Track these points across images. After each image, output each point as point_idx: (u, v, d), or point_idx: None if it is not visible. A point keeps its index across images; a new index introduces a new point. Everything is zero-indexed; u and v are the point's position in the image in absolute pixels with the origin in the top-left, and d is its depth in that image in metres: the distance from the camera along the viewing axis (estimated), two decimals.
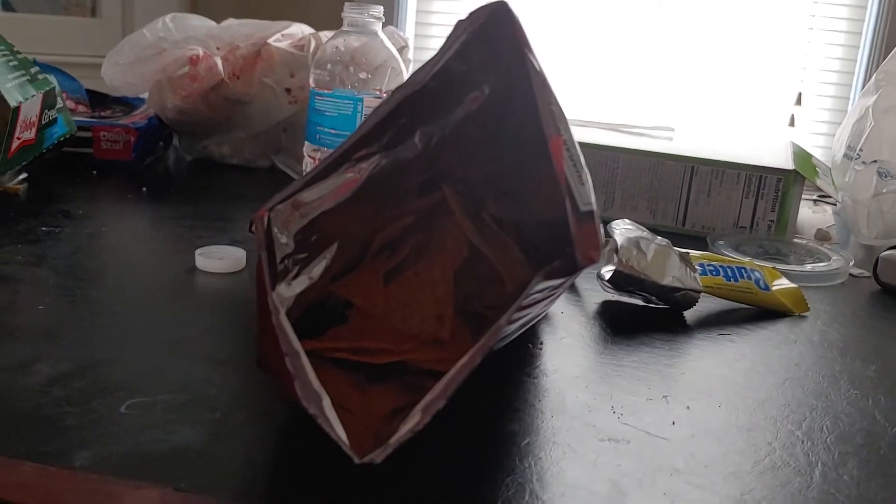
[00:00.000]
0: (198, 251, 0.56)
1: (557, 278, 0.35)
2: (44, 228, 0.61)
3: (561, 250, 0.34)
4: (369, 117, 0.38)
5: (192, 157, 0.89)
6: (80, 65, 1.30)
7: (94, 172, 0.79)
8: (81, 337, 0.44)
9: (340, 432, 0.29)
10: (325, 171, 0.37)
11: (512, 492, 0.33)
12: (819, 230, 0.77)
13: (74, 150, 0.80)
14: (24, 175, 0.73)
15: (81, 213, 0.66)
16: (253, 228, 0.34)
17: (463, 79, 0.39)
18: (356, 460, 0.29)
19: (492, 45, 0.37)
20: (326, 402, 0.30)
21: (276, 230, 0.35)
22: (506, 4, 0.36)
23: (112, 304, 0.49)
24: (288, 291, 0.37)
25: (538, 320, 0.50)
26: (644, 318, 0.53)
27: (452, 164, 0.44)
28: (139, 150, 0.82)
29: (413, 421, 0.29)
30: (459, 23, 0.37)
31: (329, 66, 0.66)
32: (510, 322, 0.32)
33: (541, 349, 0.47)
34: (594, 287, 0.56)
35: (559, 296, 0.44)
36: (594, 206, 0.35)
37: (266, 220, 0.34)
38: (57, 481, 0.31)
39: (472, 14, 0.37)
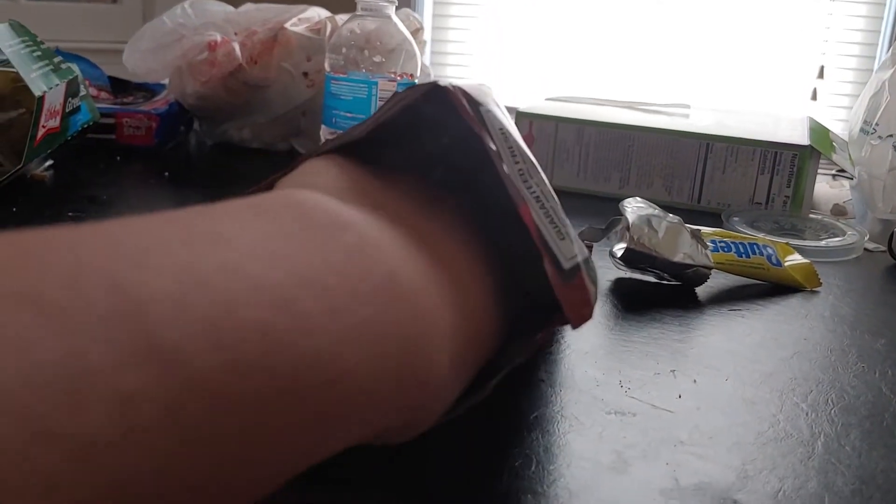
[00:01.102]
0: None
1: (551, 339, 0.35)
2: (70, 214, 0.63)
3: None
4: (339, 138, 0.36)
5: (213, 142, 0.91)
6: (102, 51, 1.32)
7: (118, 158, 0.81)
8: None
9: None
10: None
11: (519, 462, 0.34)
12: (835, 205, 0.77)
13: (98, 136, 0.82)
14: (49, 162, 0.75)
15: (106, 198, 0.68)
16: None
17: (411, 130, 0.36)
18: None
19: (440, 112, 0.34)
20: None
21: None
22: (440, 87, 0.32)
23: None
24: None
25: None
26: (656, 295, 0.53)
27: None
28: (161, 135, 0.84)
29: None
30: (395, 95, 0.34)
31: (344, 50, 0.67)
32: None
33: None
34: (606, 264, 0.57)
35: None
36: (580, 258, 0.33)
37: None
38: None
39: (406, 91, 0.34)
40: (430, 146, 0.36)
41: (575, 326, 0.32)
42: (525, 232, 0.32)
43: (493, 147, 0.32)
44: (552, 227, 0.32)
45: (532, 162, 0.33)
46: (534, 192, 0.32)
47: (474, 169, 0.34)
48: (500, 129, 0.33)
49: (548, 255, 0.31)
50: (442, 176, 0.35)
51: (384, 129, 0.34)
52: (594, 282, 0.34)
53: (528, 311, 0.35)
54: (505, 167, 0.32)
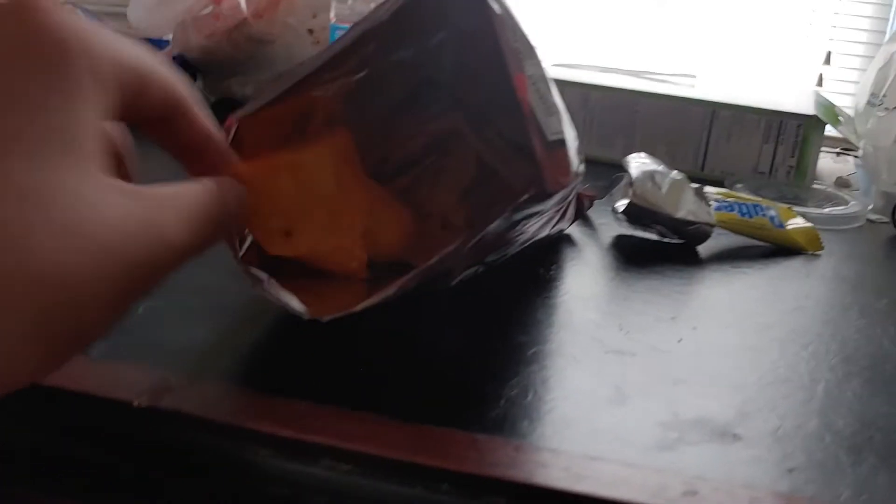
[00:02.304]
0: None
1: (531, 204, 0.35)
2: None
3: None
4: (331, 45, 0.38)
5: (215, 98, 0.90)
6: (107, 13, 1.30)
7: None
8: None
9: (289, 299, 0.33)
10: (291, 90, 0.37)
11: (515, 392, 0.33)
12: (839, 178, 0.77)
13: None
14: None
15: None
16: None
17: (424, 16, 0.39)
18: (305, 316, 0.32)
19: None
20: (269, 282, 0.34)
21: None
22: None
23: None
24: None
25: (547, 241, 0.50)
26: (657, 251, 0.53)
27: (450, 87, 0.45)
28: None
29: (367, 302, 0.32)
30: None
31: (350, 0, 0.67)
32: (480, 243, 0.34)
33: (552, 273, 0.47)
34: (608, 221, 0.57)
35: (560, 215, 0.44)
36: (565, 136, 0.36)
37: (235, 129, 0.35)
38: (73, 366, 0.32)
39: None
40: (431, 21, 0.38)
41: (551, 192, 0.34)
42: (516, 104, 0.33)
43: (499, 11, 0.34)
44: (542, 103, 0.34)
45: (530, 46, 0.35)
46: (528, 70, 0.34)
47: (476, 37, 0.36)
48: (506, 6, 0.35)
49: (534, 124, 0.33)
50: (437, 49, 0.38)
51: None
52: (581, 163, 0.38)
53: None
54: (508, 36, 0.33)
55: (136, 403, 0.30)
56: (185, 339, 0.35)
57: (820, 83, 1.27)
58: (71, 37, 0.24)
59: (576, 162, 0.37)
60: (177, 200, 0.27)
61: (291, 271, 0.38)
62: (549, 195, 0.34)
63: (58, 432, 0.31)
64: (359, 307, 0.33)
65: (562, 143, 0.34)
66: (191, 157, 0.31)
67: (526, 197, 0.33)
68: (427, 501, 0.27)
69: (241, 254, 0.35)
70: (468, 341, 0.38)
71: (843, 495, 0.29)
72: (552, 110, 0.35)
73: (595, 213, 0.58)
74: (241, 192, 0.32)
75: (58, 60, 0.24)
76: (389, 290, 0.33)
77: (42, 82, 0.23)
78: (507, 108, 0.35)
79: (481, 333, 0.39)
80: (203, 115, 0.30)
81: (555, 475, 0.28)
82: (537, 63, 0.36)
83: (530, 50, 0.35)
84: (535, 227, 0.41)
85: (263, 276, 0.34)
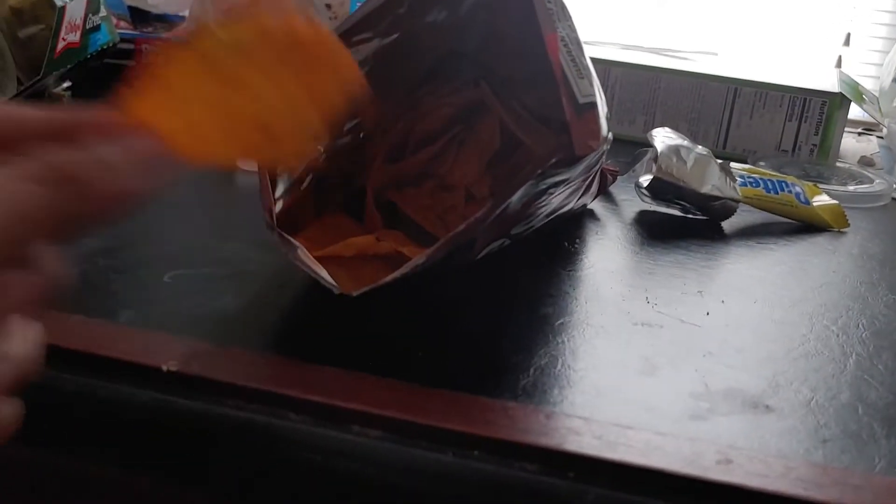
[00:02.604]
0: None
1: (559, 170, 0.35)
2: None
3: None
4: (364, 5, 0.38)
5: None
6: None
7: None
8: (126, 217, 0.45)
9: (320, 270, 0.33)
10: None
11: (545, 361, 0.33)
12: (863, 157, 0.76)
13: (117, 62, 0.81)
14: (68, 83, 0.74)
15: None
16: None
17: None
18: (336, 290, 0.32)
19: None
20: (302, 251, 0.33)
21: None
22: None
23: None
24: None
25: (569, 216, 0.50)
26: (681, 227, 0.52)
27: (478, 55, 0.44)
28: None
29: (398, 273, 0.32)
30: None
31: None
32: (505, 213, 0.33)
33: (576, 247, 0.47)
34: (632, 197, 0.56)
35: (585, 188, 0.44)
36: (596, 99, 0.36)
37: None
38: (100, 331, 0.32)
39: None
40: None
41: (581, 155, 0.33)
42: (547, 64, 0.33)
43: None
44: (573, 65, 0.34)
45: (564, 7, 0.34)
46: (560, 32, 0.34)
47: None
48: None
49: (565, 87, 0.33)
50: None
51: None
52: (609, 131, 0.37)
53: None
54: None
55: (165, 369, 0.30)
56: (213, 308, 0.35)
57: (839, 65, 1.25)
58: None
59: (605, 127, 0.36)
60: None
61: (317, 241, 0.38)
62: (578, 159, 0.34)
63: (88, 398, 0.31)
64: (387, 279, 0.32)
65: (592, 105, 0.34)
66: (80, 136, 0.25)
67: (554, 160, 0.33)
68: (458, 467, 0.27)
69: (275, 220, 0.35)
70: (495, 313, 0.37)
71: (878, 465, 0.28)
72: (584, 73, 0.34)
73: (617, 190, 0.58)
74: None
75: None
76: (417, 262, 0.33)
77: None
78: (536, 72, 0.35)
79: (508, 305, 0.38)
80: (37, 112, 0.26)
81: (587, 442, 0.28)
82: (571, 25, 0.35)
83: (564, 11, 0.35)
84: (561, 198, 0.40)
85: (296, 243, 0.34)
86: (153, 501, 0.32)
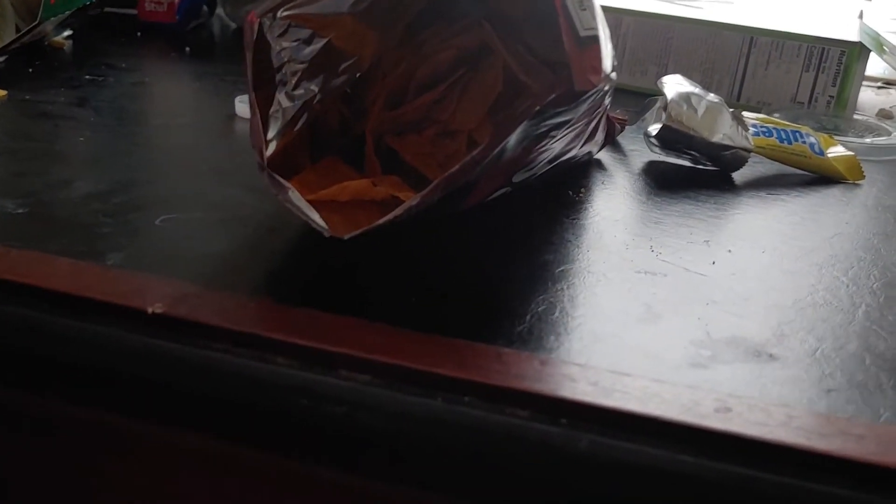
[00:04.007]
0: (237, 98, 0.55)
1: (559, 108, 0.34)
2: (87, 77, 0.61)
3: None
4: None
5: (236, 25, 0.88)
6: None
7: (139, 34, 0.79)
8: (120, 163, 0.44)
9: (311, 213, 0.32)
10: None
11: (542, 308, 0.32)
12: (882, 109, 0.74)
13: (118, 10, 0.80)
14: (68, 32, 0.73)
15: (125, 66, 0.66)
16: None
17: None
18: (326, 233, 0.31)
19: None
20: (293, 193, 0.32)
21: (273, 37, 0.34)
22: None
23: (152, 138, 0.49)
24: (287, 101, 0.36)
25: (575, 164, 0.49)
26: (691, 177, 0.51)
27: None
28: (183, 13, 0.81)
29: (390, 216, 0.31)
30: None
31: None
32: (501, 149, 0.32)
33: (581, 196, 0.46)
34: (640, 147, 0.55)
35: (589, 133, 0.43)
36: (599, 33, 0.34)
37: (257, 26, 0.33)
38: (87, 274, 0.31)
39: None
40: None
41: (580, 90, 0.32)
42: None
43: None
44: None
45: None
46: None
47: None
48: None
49: (565, 17, 0.31)
50: None
51: None
52: (613, 70, 0.37)
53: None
54: None
55: (150, 311, 0.29)
56: (202, 251, 0.34)
57: (861, 17, 1.21)
58: None
59: (608, 65, 0.35)
60: None
61: (312, 185, 0.37)
62: (578, 96, 0.32)
63: (72, 340, 0.30)
64: (379, 223, 0.31)
65: (594, 39, 0.32)
66: None
67: (553, 97, 0.31)
68: (448, 413, 0.26)
69: (265, 160, 0.34)
70: (494, 259, 0.36)
71: (883, 416, 0.27)
72: (585, 4, 0.33)
73: (625, 140, 0.56)
74: None
75: None
76: (411, 204, 0.32)
77: None
78: (539, 10, 0.33)
79: (507, 251, 0.37)
80: None
81: (582, 389, 0.27)
82: None
83: None
84: (563, 143, 0.39)
85: (287, 185, 0.33)
86: (140, 446, 0.32)
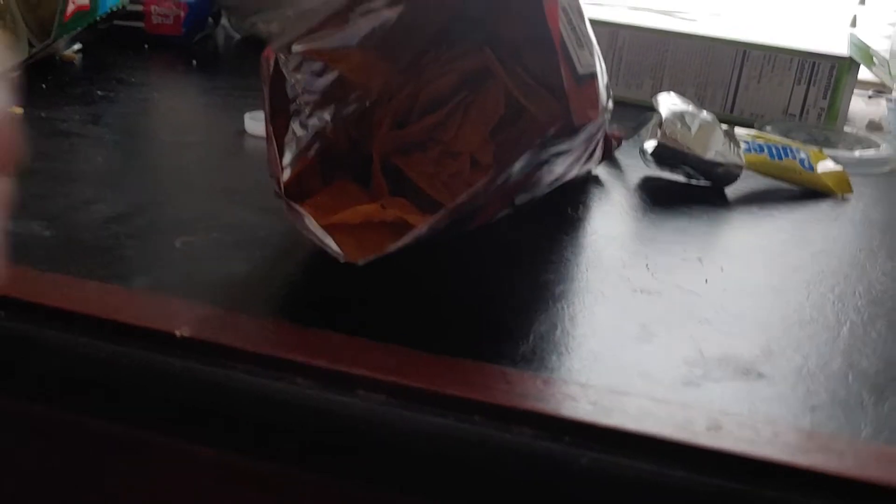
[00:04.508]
0: (247, 115, 0.57)
1: (559, 140, 0.36)
2: (99, 92, 0.63)
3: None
4: None
5: (241, 35, 0.90)
6: None
7: (146, 46, 0.81)
8: (137, 184, 0.46)
9: (327, 239, 0.34)
10: (329, 19, 0.37)
11: (544, 327, 0.34)
12: (871, 121, 0.76)
13: (126, 23, 0.81)
14: (78, 46, 0.74)
15: (134, 80, 0.67)
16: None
17: None
18: (341, 259, 0.33)
19: None
20: (309, 220, 0.34)
21: (288, 70, 0.36)
22: None
23: (165, 157, 0.50)
24: (300, 130, 0.38)
25: (575, 182, 0.51)
26: (685, 193, 0.53)
27: (483, 20, 0.45)
28: (189, 25, 0.83)
29: (400, 243, 0.33)
30: None
31: None
32: (505, 182, 0.34)
33: (579, 213, 0.47)
34: (636, 162, 0.57)
35: (588, 155, 0.45)
36: (596, 69, 0.36)
37: (273, 61, 0.35)
38: (117, 297, 0.33)
39: None
40: None
41: (579, 125, 0.34)
42: (547, 35, 0.33)
43: None
44: (573, 34, 0.34)
45: None
46: (563, 2, 0.34)
47: None
48: None
49: (564, 56, 0.33)
50: None
51: None
52: (609, 99, 0.38)
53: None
54: None
55: (178, 334, 0.31)
56: (221, 273, 0.36)
57: (854, 24, 1.23)
58: None
59: (605, 97, 0.37)
60: None
61: (325, 207, 0.39)
62: (577, 129, 0.34)
63: (98, 362, 0.32)
64: (391, 249, 0.33)
65: (592, 76, 0.34)
66: None
67: (553, 131, 0.33)
68: (459, 431, 0.28)
69: (282, 188, 0.35)
70: (497, 279, 0.38)
71: (864, 432, 0.29)
72: (584, 43, 0.35)
73: (622, 154, 0.58)
74: None
75: None
76: (421, 230, 0.34)
77: None
78: (538, 38, 0.35)
79: (510, 271, 0.39)
80: None
81: (583, 408, 0.29)
82: None
83: None
84: (564, 167, 0.41)
85: (304, 212, 0.35)
86: (166, 462, 0.34)
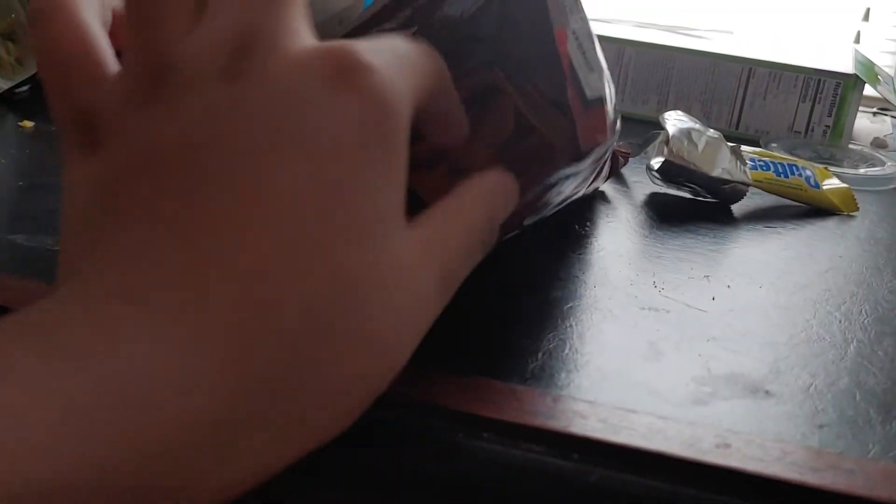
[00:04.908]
0: None
1: (565, 167, 0.36)
2: None
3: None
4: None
5: None
6: None
7: None
8: None
9: None
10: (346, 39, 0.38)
11: (553, 345, 0.34)
12: (876, 138, 0.76)
13: None
14: None
15: None
16: None
17: None
18: None
19: None
20: None
21: None
22: None
23: None
24: None
25: (581, 201, 0.51)
26: (691, 210, 0.53)
27: (493, 40, 0.45)
28: None
29: None
30: None
31: None
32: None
33: (586, 230, 0.48)
34: (643, 179, 0.57)
35: (595, 174, 0.45)
36: (605, 93, 0.36)
37: None
38: None
39: None
40: None
41: (586, 150, 0.34)
42: (556, 58, 0.33)
43: None
44: (583, 59, 0.34)
45: (578, 3, 0.35)
46: (572, 26, 0.34)
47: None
48: None
49: (573, 80, 0.33)
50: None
51: None
52: (617, 119, 0.38)
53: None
54: None
55: None
56: None
57: (858, 40, 1.24)
58: (392, 97, 0.23)
59: (613, 119, 0.37)
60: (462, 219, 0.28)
61: None
62: (584, 154, 0.34)
63: None
64: None
65: (601, 100, 0.35)
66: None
67: (560, 158, 0.34)
68: (468, 447, 0.29)
69: None
70: (505, 296, 0.39)
71: (872, 451, 0.29)
72: (593, 66, 0.35)
73: (628, 171, 0.59)
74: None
75: (388, 132, 0.24)
76: None
77: (376, 158, 0.23)
78: (547, 62, 0.35)
79: (518, 289, 0.40)
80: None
81: (592, 426, 0.29)
82: (583, 17, 0.36)
83: (576, 3, 0.36)
84: (572, 187, 0.41)
85: None
86: None
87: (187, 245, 0.21)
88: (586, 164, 0.37)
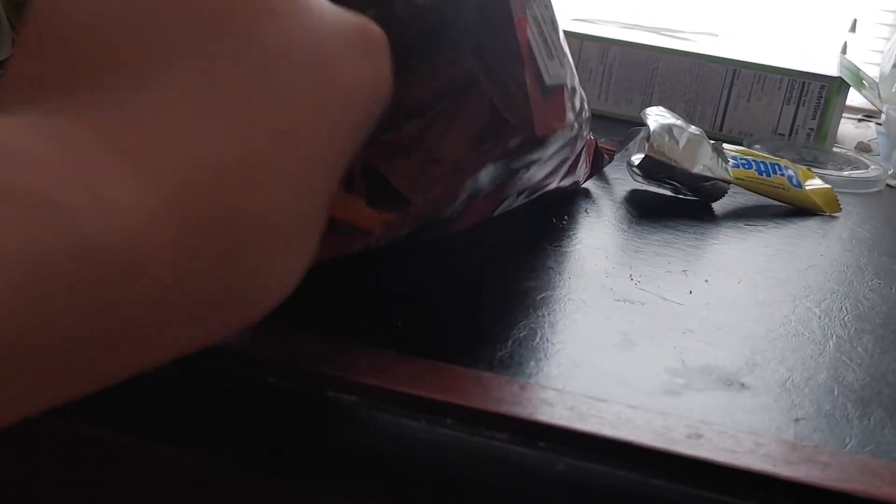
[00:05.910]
0: None
1: (524, 151, 0.35)
2: None
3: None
4: None
5: None
6: None
7: None
8: None
9: None
10: None
11: (524, 334, 0.33)
12: (860, 142, 0.76)
13: None
14: None
15: None
16: None
17: None
18: None
19: None
20: None
21: None
22: None
23: None
24: None
25: (560, 196, 0.50)
26: (672, 207, 0.52)
27: (473, 29, 0.44)
28: None
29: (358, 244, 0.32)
30: None
31: None
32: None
33: (564, 223, 0.47)
34: (623, 176, 0.56)
35: (569, 168, 0.44)
36: (565, 80, 0.35)
37: None
38: None
39: None
40: None
41: (542, 136, 0.33)
42: (514, 41, 0.33)
43: None
44: (544, 46, 0.33)
45: None
46: (533, 12, 0.33)
47: None
48: None
49: (531, 66, 0.32)
50: None
51: None
52: (584, 111, 0.37)
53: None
54: None
55: None
56: None
57: (844, 51, 1.24)
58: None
59: (576, 108, 0.36)
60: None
61: None
62: (540, 140, 0.33)
63: None
64: (351, 249, 0.32)
65: (560, 87, 0.33)
66: None
67: (516, 141, 0.33)
68: (431, 434, 0.27)
69: None
70: (477, 285, 0.38)
71: (848, 445, 0.28)
72: (554, 53, 0.34)
73: (609, 168, 0.58)
74: None
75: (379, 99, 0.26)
76: (371, 238, 0.32)
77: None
78: (506, 46, 0.34)
79: (491, 277, 0.38)
80: None
81: (559, 413, 0.28)
82: (546, 4, 0.35)
83: None
84: (539, 177, 0.40)
85: None
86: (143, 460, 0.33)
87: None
88: (549, 151, 0.36)
